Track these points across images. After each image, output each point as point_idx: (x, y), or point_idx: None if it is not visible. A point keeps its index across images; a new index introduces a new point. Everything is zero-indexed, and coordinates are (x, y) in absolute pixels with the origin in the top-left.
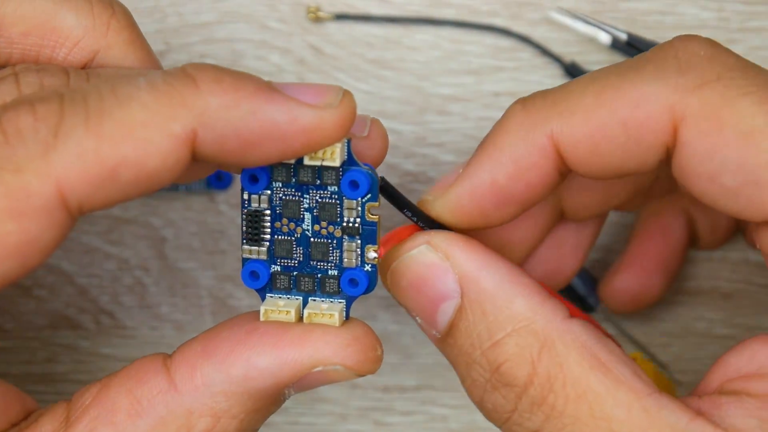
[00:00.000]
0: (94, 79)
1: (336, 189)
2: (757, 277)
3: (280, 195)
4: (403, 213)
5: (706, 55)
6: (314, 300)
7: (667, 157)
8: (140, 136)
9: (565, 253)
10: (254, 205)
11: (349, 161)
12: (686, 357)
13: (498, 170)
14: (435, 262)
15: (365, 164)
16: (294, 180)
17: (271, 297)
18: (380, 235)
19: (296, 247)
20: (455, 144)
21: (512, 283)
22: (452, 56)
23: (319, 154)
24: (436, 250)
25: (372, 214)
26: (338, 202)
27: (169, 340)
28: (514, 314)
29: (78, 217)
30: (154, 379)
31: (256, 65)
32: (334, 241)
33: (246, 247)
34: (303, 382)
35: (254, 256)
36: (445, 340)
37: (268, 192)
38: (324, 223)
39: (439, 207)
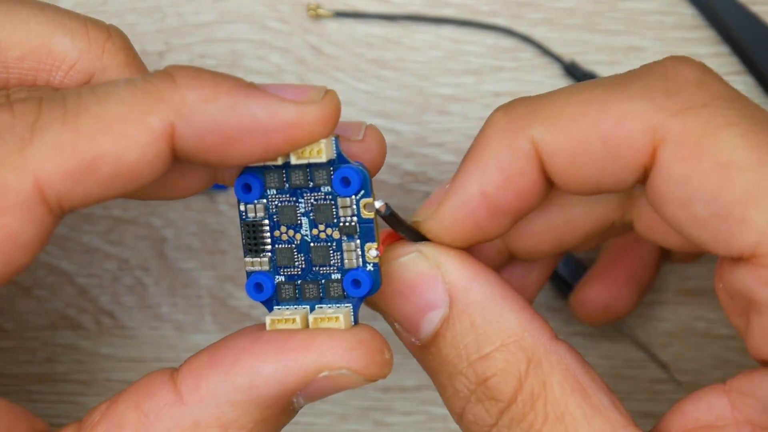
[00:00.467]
0: (82, 87)
1: (329, 189)
2: None
3: (276, 202)
4: (403, 236)
5: (696, 80)
6: (321, 307)
7: (644, 177)
8: (117, 129)
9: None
10: (251, 215)
11: (339, 159)
12: (686, 357)
13: (486, 181)
14: (425, 271)
15: (356, 162)
16: (287, 185)
17: (279, 308)
18: (379, 232)
19: (297, 254)
20: (455, 144)
21: (503, 298)
22: (452, 56)
23: (306, 152)
24: (426, 259)
25: (367, 211)
26: (332, 202)
27: (169, 340)
28: (503, 328)
29: (60, 216)
30: (161, 391)
31: (256, 65)
32: (334, 244)
33: (248, 259)
34: (311, 390)
35: (257, 268)
36: (427, 348)
37: (264, 201)
38: (322, 226)
39: (433, 226)
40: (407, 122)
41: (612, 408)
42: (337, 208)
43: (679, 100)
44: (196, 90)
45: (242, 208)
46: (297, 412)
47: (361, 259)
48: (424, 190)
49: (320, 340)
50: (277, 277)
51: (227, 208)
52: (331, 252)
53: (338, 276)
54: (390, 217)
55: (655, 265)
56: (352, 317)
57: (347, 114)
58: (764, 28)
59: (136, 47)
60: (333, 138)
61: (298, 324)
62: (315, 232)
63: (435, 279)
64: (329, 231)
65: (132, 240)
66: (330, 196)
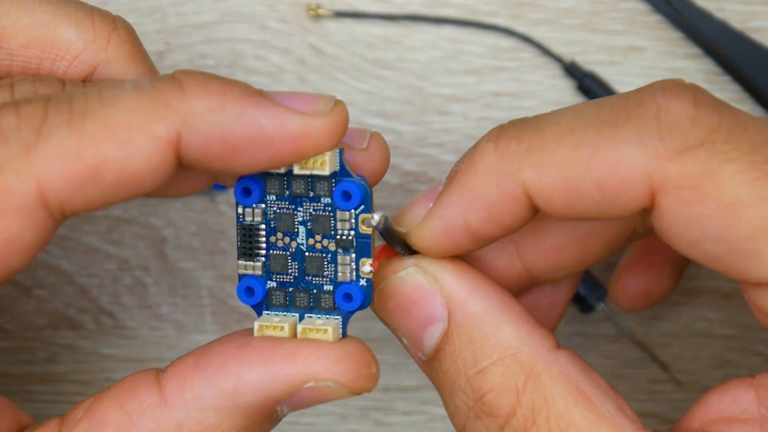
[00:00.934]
0: (88, 87)
1: (329, 201)
2: None
3: (275, 208)
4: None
5: (689, 118)
6: (310, 317)
7: (644, 214)
8: (123, 137)
9: (540, 314)
10: (248, 219)
11: (342, 172)
12: (686, 357)
13: (470, 214)
14: (423, 285)
15: (359, 175)
16: (287, 192)
17: (268, 314)
18: (375, 248)
19: (291, 262)
20: (455, 144)
21: (501, 310)
22: (452, 56)
23: (309, 163)
24: (424, 273)
25: (366, 227)
26: (332, 214)
27: (169, 340)
28: (500, 342)
29: (61, 220)
30: (145, 392)
31: (256, 65)
32: (329, 255)
33: (241, 262)
34: (295, 399)
35: (249, 272)
36: (431, 363)
37: (263, 206)
38: (318, 237)
39: (415, 240)
40: (407, 122)
41: (618, 413)
42: (335, 220)
43: (674, 142)
44: (204, 98)
45: (240, 210)
46: (280, 420)
47: (354, 274)
48: (424, 190)
49: (307, 350)
50: (268, 282)
51: (227, 208)
52: (326, 263)
53: (330, 288)
54: (386, 232)
55: None
56: (341, 330)
57: None
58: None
59: None
60: (338, 151)
61: (286, 332)
62: (311, 241)
63: (433, 293)
64: (325, 242)
65: (132, 240)
66: (329, 208)
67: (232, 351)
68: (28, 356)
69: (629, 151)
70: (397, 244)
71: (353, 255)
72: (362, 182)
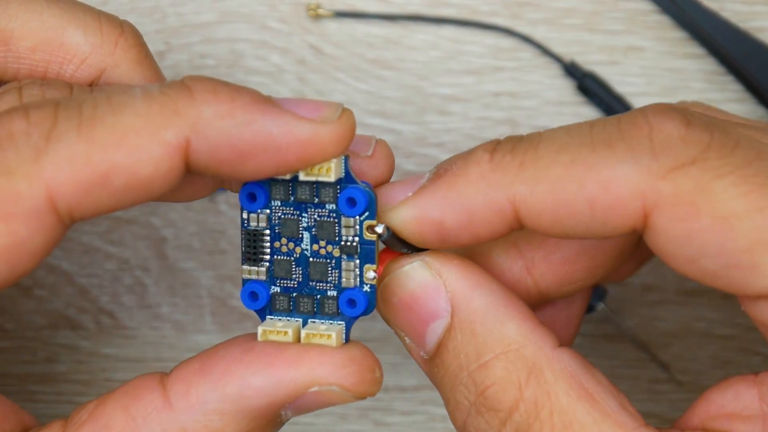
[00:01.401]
0: (96, 92)
1: (334, 207)
2: None
3: (279, 214)
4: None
5: (680, 137)
6: (314, 322)
7: (634, 234)
8: (132, 142)
9: (558, 330)
10: (253, 224)
11: (347, 178)
12: (686, 357)
13: (449, 214)
14: (427, 280)
15: (363, 182)
16: (292, 198)
17: (271, 318)
18: (379, 254)
19: (295, 268)
20: (455, 144)
21: (505, 306)
22: (452, 56)
23: (315, 170)
24: (429, 268)
25: (370, 233)
26: (336, 220)
27: (169, 340)
28: (504, 337)
29: (69, 225)
30: (150, 396)
31: (256, 65)
32: (333, 261)
33: (245, 267)
34: (300, 403)
35: (253, 277)
36: (433, 360)
37: (267, 211)
38: (323, 243)
39: (390, 218)
40: (407, 122)
41: (621, 411)
42: (340, 226)
43: (667, 160)
44: (212, 105)
45: (245, 216)
46: (284, 423)
47: (358, 279)
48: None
49: (312, 355)
50: (272, 287)
51: (227, 208)
52: (330, 269)
53: (334, 293)
54: (391, 239)
55: None
56: (344, 335)
57: None
58: (749, 39)
59: None
60: (344, 158)
61: (290, 337)
62: (315, 247)
63: (437, 288)
64: (330, 248)
65: (132, 240)
66: (334, 214)
67: (236, 355)
68: (28, 356)
69: (623, 170)
70: (402, 246)
71: (357, 261)
72: (367, 189)
